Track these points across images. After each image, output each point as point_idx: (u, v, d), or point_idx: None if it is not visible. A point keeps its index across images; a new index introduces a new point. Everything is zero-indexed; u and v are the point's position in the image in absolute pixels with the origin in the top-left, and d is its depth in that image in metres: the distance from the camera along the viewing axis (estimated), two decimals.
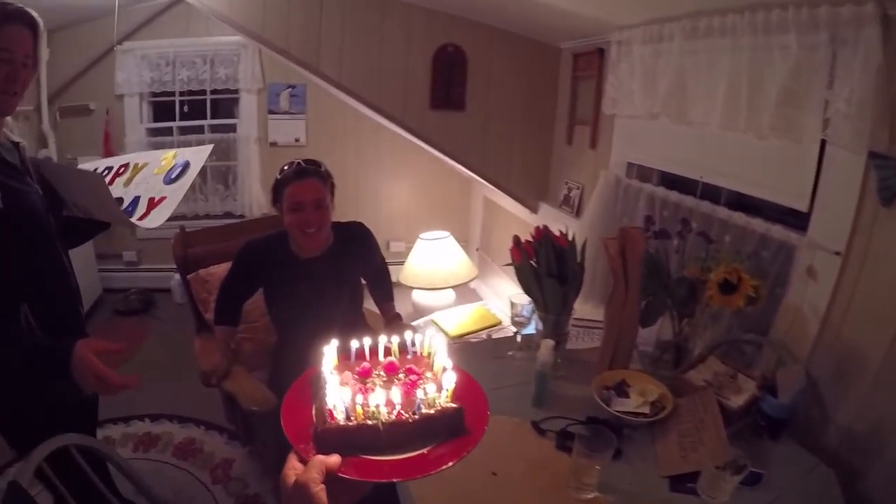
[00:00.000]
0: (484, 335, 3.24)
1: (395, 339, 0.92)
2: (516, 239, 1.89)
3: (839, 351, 1.62)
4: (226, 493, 2.66)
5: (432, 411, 0.81)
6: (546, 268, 1.77)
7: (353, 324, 2.33)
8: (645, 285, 1.73)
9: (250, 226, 3.14)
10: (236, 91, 4.38)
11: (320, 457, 0.72)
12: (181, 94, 4.40)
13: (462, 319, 3.42)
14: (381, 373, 0.89)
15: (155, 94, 4.42)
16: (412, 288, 3.74)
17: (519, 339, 1.99)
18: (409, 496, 1.33)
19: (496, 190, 3.58)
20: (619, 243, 1.64)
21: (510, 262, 1.89)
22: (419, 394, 0.80)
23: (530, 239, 1.85)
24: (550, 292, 1.77)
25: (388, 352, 0.92)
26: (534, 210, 3.39)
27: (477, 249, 4.49)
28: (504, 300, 3.98)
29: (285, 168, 2.00)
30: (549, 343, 1.62)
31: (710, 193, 2.11)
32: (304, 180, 1.95)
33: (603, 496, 1.32)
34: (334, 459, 0.72)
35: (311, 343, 1.76)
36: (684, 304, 1.77)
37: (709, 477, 1.29)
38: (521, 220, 3.62)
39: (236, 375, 2.20)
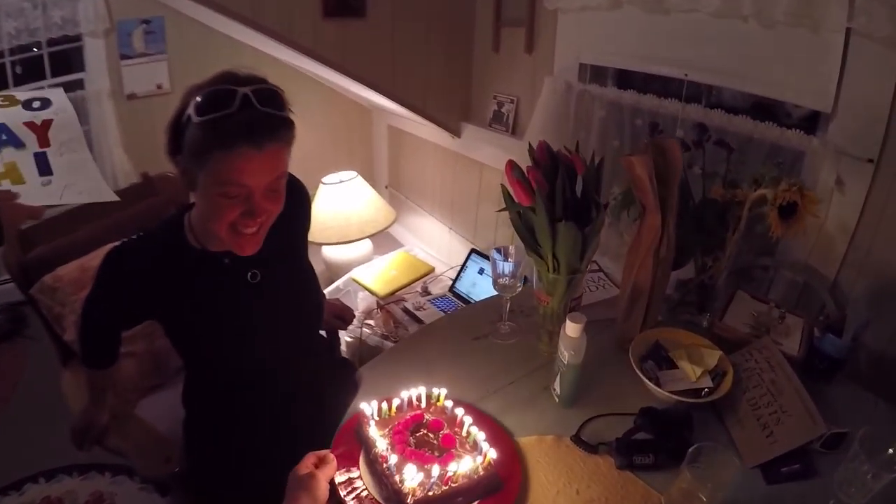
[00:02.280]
0: (418, 288, 2.79)
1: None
2: (513, 167, 1.25)
3: (870, 270, 1.50)
4: None
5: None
6: (564, 207, 1.21)
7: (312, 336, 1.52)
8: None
9: (105, 204, 2.40)
10: (78, 37, 3.45)
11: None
12: (11, 51, 3.45)
13: (388, 273, 2.94)
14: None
15: None
16: (321, 244, 3.17)
17: (506, 307, 1.46)
18: None
19: (403, 115, 3.09)
20: (649, 161, 1.20)
21: (502, 208, 1.32)
22: (452, 467, 0.94)
23: (532, 166, 1.26)
24: (569, 241, 1.21)
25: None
26: (456, 133, 2.91)
27: (386, 187, 3.97)
28: (429, 242, 3.55)
29: (207, 103, 1.02)
30: (580, 321, 1.11)
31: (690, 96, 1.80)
32: (264, 148, 1.01)
33: None
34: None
35: (257, 378, 1.22)
36: (714, 233, 1.39)
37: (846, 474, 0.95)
38: (439, 147, 3.15)
39: (125, 425, 1.63)
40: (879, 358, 1.47)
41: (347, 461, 1.03)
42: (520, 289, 1.40)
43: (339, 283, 2.94)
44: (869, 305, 1.49)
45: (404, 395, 1.12)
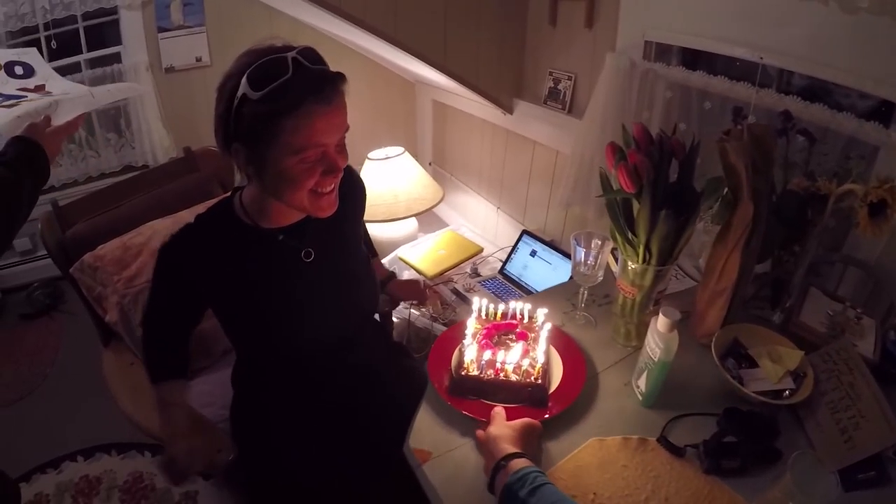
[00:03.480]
0: (467, 269, 2.76)
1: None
2: (617, 150, 1.21)
3: None
4: None
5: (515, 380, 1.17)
6: (663, 195, 1.16)
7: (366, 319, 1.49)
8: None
9: (147, 178, 2.32)
10: (114, 10, 3.41)
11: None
12: (46, 26, 3.43)
13: (435, 252, 2.92)
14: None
15: (13, 34, 3.42)
16: (365, 221, 3.15)
17: (583, 297, 1.44)
18: None
19: (450, 91, 3.03)
20: (745, 147, 1.14)
21: (601, 194, 1.28)
22: (500, 356, 1.18)
23: (634, 150, 1.20)
24: (663, 233, 1.17)
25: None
26: (508, 110, 2.84)
27: (430, 164, 3.91)
28: (475, 221, 3.51)
29: (260, 73, 0.99)
30: (673, 316, 1.06)
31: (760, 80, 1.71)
32: (332, 103, 1.01)
33: None
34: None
35: (308, 360, 1.20)
36: (794, 225, 1.33)
37: None
38: (488, 123, 3.09)
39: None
40: None
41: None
42: (600, 278, 1.37)
43: (384, 261, 2.93)
44: None
45: (512, 305, 1.34)
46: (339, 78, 1.04)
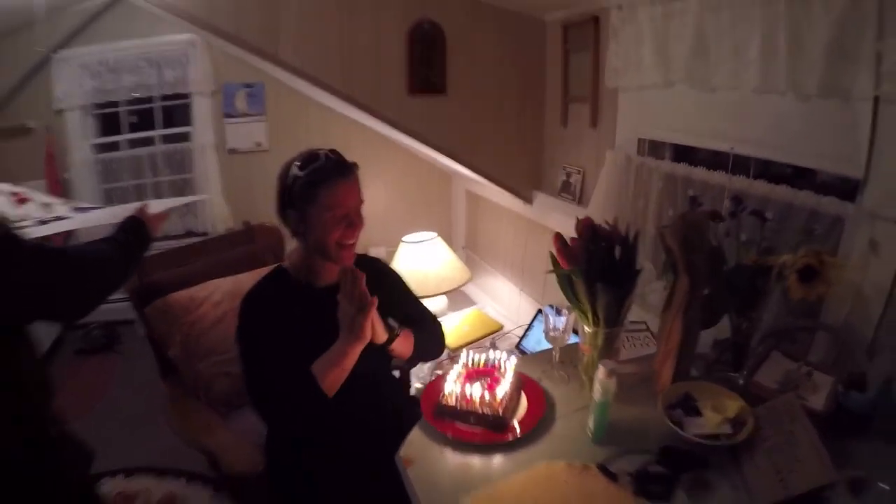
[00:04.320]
0: (487, 343, 2.96)
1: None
2: (559, 239, 1.54)
3: None
4: None
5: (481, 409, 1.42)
6: (598, 271, 1.43)
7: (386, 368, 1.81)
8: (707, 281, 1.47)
9: (212, 244, 2.76)
10: (187, 95, 3.98)
11: None
12: (128, 103, 4.00)
13: (460, 328, 3.13)
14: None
15: (99, 106, 3.99)
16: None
17: (556, 357, 1.67)
18: None
19: (480, 182, 3.31)
20: (681, 232, 1.36)
21: (550, 269, 1.56)
22: (467, 389, 1.45)
23: (574, 236, 1.50)
24: (604, 301, 1.43)
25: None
26: (528, 201, 3.11)
27: (463, 248, 4.20)
28: (500, 301, 3.73)
29: (304, 162, 1.47)
30: (608, 366, 1.30)
31: (736, 167, 1.90)
32: (350, 179, 1.49)
33: None
34: None
35: (356, 404, 1.51)
36: (746, 296, 1.51)
37: None
38: (512, 212, 3.36)
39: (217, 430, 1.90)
40: None
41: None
42: (568, 341, 1.59)
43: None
44: None
45: (492, 355, 1.63)
46: (354, 165, 1.53)
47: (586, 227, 1.47)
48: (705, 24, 1.87)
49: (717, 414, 1.34)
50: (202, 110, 3.95)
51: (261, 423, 1.62)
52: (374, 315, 1.47)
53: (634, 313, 1.78)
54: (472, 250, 4.11)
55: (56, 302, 1.20)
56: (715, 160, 2.02)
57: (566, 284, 1.51)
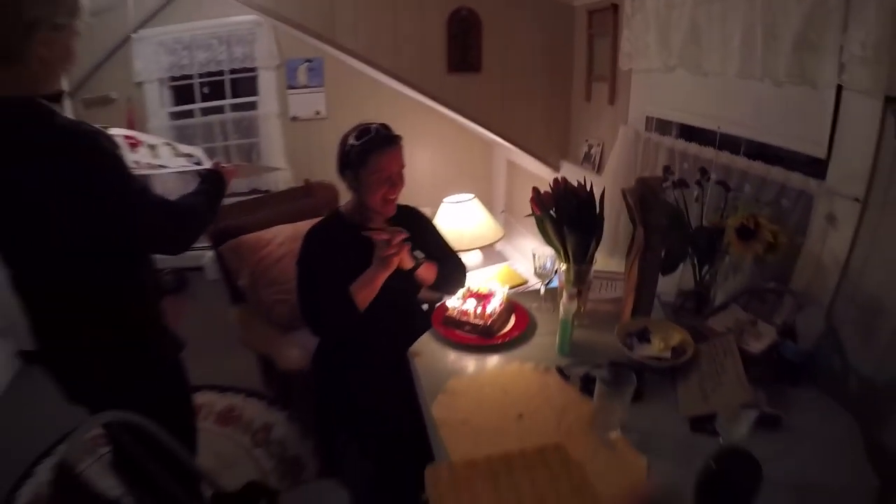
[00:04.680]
0: (511, 291, 3.30)
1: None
2: (535, 190, 1.94)
3: (860, 301, 1.60)
4: (267, 456, 2.79)
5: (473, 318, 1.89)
6: (567, 218, 1.83)
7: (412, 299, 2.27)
8: (666, 235, 1.76)
9: (277, 198, 3.28)
10: (254, 69, 4.44)
11: None
12: (200, 76, 4.49)
13: (489, 279, 3.48)
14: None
15: (174, 79, 4.50)
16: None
17: (542, 291, 2.07)
18: (437, 435, 1.47)
19: (518, 151, 3.62)
20: (637, 192, 1.67)
21: (530, 213, 1.96)
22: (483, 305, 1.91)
23: (549, 191, 1.91)
24: (571, 241, 1.83)
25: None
26: (556, 169, 3.40)
27: (502, 212, 4.52)
28: (530, 259, 4.02)
29: (359, 134, 1.88)
30: (571, 292, 1.71)
31: (730, 144, 2.10)
32: (394, 148, 1.90)
33: (625, 436, 1.38)
34: None
35: (386, 317, 2.02)
36: (705, 252, 1.80)
37: (726, 414, 1.30)
38: (544, 179, 3.62)
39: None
40: (869, 384, 1.57)
41: None
42: (554, 279, 2.00)
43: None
44: (856, 333, 1.61)
45: (491, 284, 2.07)
46: (398, 137, 1.93)
47: (557, 183, 1.86)
48: (699, 14, 2.05)
49: (662, 342, 1.66)
50: (267, 82, 4.42)
51: (310, 338, 2.08)
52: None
53: (616, 264, 2.10)
54: (511, 213, 4.43)
55: (165, 239, 1.58)
56: (712, 138, 2.20)
57: (541, 227, 1.92)
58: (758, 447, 1.08)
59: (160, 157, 1.87)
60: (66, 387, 1.66)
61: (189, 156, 1.94)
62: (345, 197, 2.09)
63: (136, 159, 1.76)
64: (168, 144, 1.94)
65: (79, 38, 1.44)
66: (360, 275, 1.88)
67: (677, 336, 1.68)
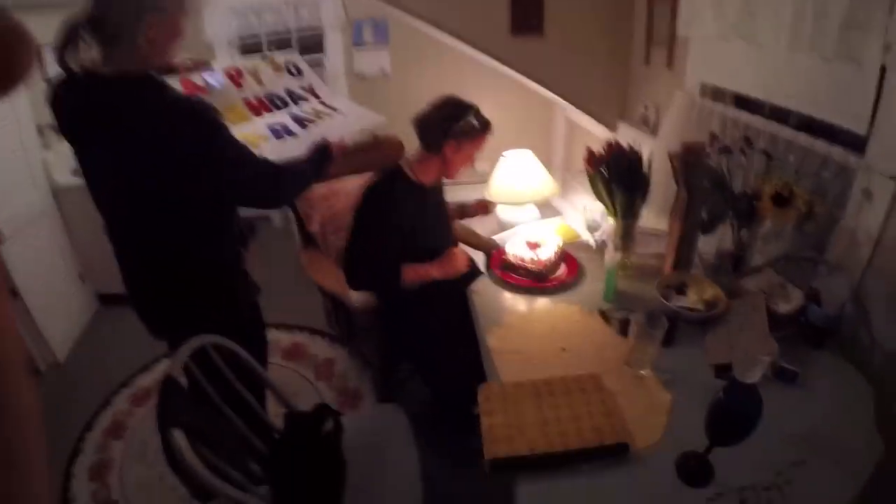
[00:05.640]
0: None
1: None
2: (589, 150, 2.13)
3: (889, 276, 1.65)
4: (328, 388, 3.08)
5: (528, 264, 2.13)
6: (616, 177, 2.02)
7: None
8: (708, 197, 1.92)
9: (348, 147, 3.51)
10: (320, 28, 4.59)
11: None
12: (267, 35, 4.67)
13: (545, 231, 3.65)
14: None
15: (242, 38, 4.69)
16: (497, 203, 3.98)
17: (592, 243, 2.28)
18: (491, 361, 1.70)
19: (577, 111, 3.72)
20: (681, 155, 1.84)
21: (584, 171, 2.14)
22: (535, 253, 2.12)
23: (602, 151, 2.09)
24: (620, 198, 2.02)
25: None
26: (613, 129, 3.52)
27: (560, 169, 4.66)
28: (582, 215, 4.17)
29: (477, 116, 2.14)
30: (617, 244, 1.97)
31: (780, 115, 2.19)
32: (488, 135, 2.19)
33: (654, 374, 1.59)
34: None
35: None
36: (744, 216, 1.93)
37: (743, 359, 1.43)
38: (601, 138, 3.72)
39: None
40: (892, 358, 1.60)
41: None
42: (603, 230, 2.21)
43: (504, 233, 3.70)
44: (886, 309, 1.65)
45: (545, 236, 2.27)
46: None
47: (610, 144, 2.05)
48: None
49: (697, 296, 1.84)
50: (334, 42, 4.56)
51: None
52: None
53: (665, 223, 2.25)
54: (568, 171, 4.56)
55: (264, 197, 1.83)
56: (763, 108, 2.33)
57: (593, 184, 2.11)
58: (772, 398, 1.21)
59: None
60: (152, 324, 1.91)
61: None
62: (410, 151, 2.26)
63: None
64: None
65: (187, 16, 1.62)
66: (420, 229, 2.15)
67: (711, 291, 1.86)
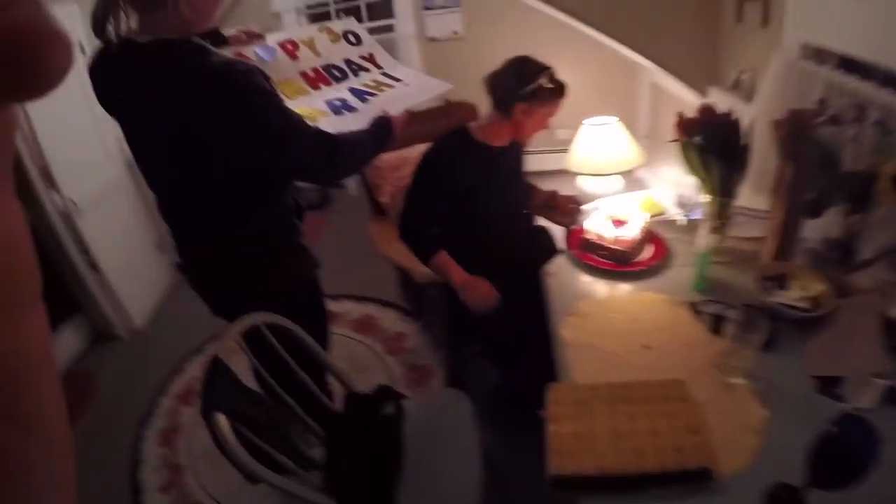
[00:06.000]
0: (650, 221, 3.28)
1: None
2: (681, 116, 1.88)
3: None
4: (398, 363, 3.04)
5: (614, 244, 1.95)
6: (713, 147, 1.77)
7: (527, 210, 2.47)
8: (816, 175, 1.69)
9: (419, 116, 3.37)
10: None
11: None
12: (336, 2, 4.61)
13: (630, 206, 3.46)
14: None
15: (310, 7, 4.65)
16: (578, 174, 3.80)
17: (682, 222, 2.09)
18: (563, 354, 1.57)
19: (663, 74, 3.44)
20: (788, 126, 1.61)
21: (674, 139, 1.91)
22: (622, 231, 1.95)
23: (696, 116, 1.85)
24: (716, 172, 1.78)
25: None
26: (703, 94, 3.22)
27: (645, 137, 4.38)
28: (671, 189, 3.93)
29: (550, 78, 2.01)
30: (711, 226, 1.75)
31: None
32: (562, 99, 2.05)
33: (748, 383, 1.39)
34: None
35: (507, 231, 2.18)
36: (857, 199, 1.70)
37: (855, 380, 1.26)
38: (690, 106, 3.46)
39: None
40: None
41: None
42: (697, 211, 2.02)
43: (586, 206, 3.53)
44: None
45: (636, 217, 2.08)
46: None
47: (705, 108, 1.81)
48: None
49: (801, 291, 1.63)
50: (403, 4, 4.46)
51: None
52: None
53: (761, 201, 2.03)
54: (653, 140, 4.29)
55: (316, 171, 1.71)
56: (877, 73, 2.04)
57: (686, 154, 1.86)
58: (882, 423, 1.02)
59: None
60: (210, 300, 1.90)
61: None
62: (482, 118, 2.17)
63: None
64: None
65: None
66: (490, 192, 2.09)
67: (817, 286, 1.64)
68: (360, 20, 4.62)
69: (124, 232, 3.57)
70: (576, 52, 4.29)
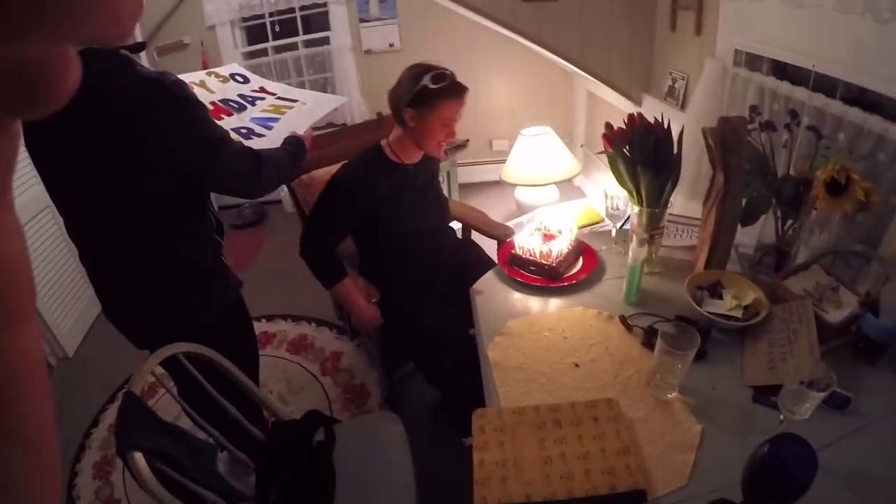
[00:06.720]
0: (586, 231, 3.23)
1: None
2: (608, 126, 1.79)
3: None
4: (333, 384, 2.95)
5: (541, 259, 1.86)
6: (641, 156, 1.69)
7: (448, 225, 2.40)
8: (748, 181, 1.66)
9: (348, 132, 3.27)
10: (325, 4, 4.39)
11: None
12: (271, 14, 4.48)
13: (561, 218, 3.42)
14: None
15: (245, 20, 4.53)
16: (515, 185, 3.75)
17: (613, 233, 2.00)
18: (491, 377, 1.47)
19: (599, 83, 3.44)
20: (719, 133, 1.55)
21: (602, 150, 1.82)
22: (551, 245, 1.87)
23: (623, 126, 1.76)
24: (645, 183, 1.69)
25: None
26: (637, 103, 3.24)
27: (581, 146, 4.38)
28: (604, 200, 3.92)
29: (435, 78, 1.83)
30: (642, 237, 1.64)
31: (826, 86, 1.91)
32: (461, 98, 1.88)
33: (682, 398, 1.33)
34: None
35: (429, 248, 2.01)
36: (789, 204, 1.67)
37: (791, 391, 1.18)
38: (625, 113, 3.47)
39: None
40: None
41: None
42: (623, 220, 1.93)
43: (522, 218, 3.47)
44: None
45: (559, 224, 2.03)
46: (466, 88, 1.89)
47: (632, 118, 1.72)
48: None
49: (734, 300, 1.57)
50: (339, 17, 4.36)
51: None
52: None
53: (695, 209, 1.99)
54: (590, 148, 4.28)
55: (241, 185, 1.65)
56: (806, 78, 2.03)
57: (613, 166, 1.77)
58: (820, 427, 1.03)
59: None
60: (130, 334, 1.79)
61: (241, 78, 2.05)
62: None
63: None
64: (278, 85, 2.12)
65: None
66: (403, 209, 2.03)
67: (751, 294, 1.58)
68: (295, 32, 4.55)
69: (51, 255, 3.36)
70: (512, 62, 4.26)
